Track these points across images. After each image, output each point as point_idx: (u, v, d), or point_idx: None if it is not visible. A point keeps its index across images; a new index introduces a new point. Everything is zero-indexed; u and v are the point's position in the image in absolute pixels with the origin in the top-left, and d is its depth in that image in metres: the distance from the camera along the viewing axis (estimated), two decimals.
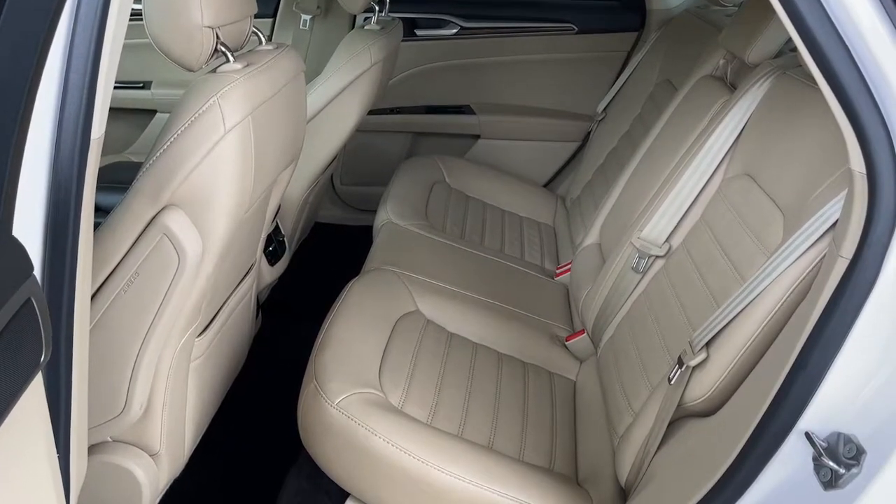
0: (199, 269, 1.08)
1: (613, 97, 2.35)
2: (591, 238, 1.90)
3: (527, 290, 1.85)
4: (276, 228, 1.88)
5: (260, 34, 1.28)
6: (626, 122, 2.21)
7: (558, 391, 1.53)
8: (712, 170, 1.40)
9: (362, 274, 1.67)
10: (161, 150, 1.03)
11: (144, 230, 1.05)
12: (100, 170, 0.92)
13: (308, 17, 2.35)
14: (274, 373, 1.83)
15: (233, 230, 1.12)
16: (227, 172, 1.05)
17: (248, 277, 1.51)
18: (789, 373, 0.85)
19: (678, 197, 1.44)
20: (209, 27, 1.06)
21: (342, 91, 1.86)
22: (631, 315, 1.49)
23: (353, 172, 2.68)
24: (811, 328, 0.84)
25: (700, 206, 1.42)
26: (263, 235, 1.55)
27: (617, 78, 2.45)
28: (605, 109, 2.37)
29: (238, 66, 1.11)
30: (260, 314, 1.98)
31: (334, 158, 2.04)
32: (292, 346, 1.77)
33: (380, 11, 1.94)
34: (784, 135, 1.22)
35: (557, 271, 2.00)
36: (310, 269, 2.45)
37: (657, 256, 1.46)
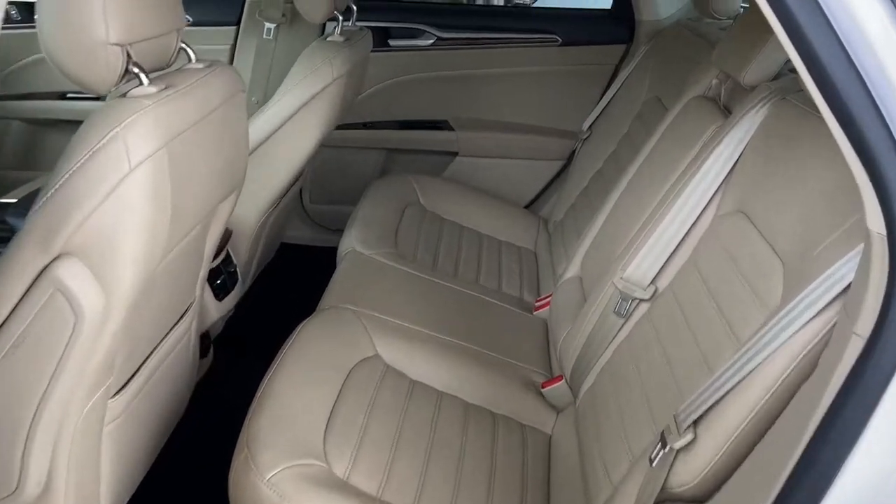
0: (103, 326, 0.93)
1: (599, 114, 2.22)
2: (573, 270, 1.76)
3: (502, 328, 1.71)
4: (227, 258, 1.73)
5: (189, 51, 1.14)
6: (613, 142, 2.08)
7: (531, 447, 1.39)
8: (703, 204, 1.26)
9: (316, 314, 1.52)
10: (52, 190, 0.89)
11: (33, 284, 0.90)
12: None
13: (272, 26, 2.21)
14: (219, 417, 1.67)
15: (145, 280, 0.97)
16: (134, 216, 0.90)
17: (184, 320, 1.36)
18: (795, 469, 0.71)
19: (665, 233, 1.30)
20: (117, 45, 0.92)
21: (300, 108, 1.72)
22: (612, 364, 1.35)
23: (323, 190, 2.53)
24: (820, 418, 0.70)
25: (689, 245, 1.28)
26: (204, 272, 1.40)
27: (603, 94, 2.32)
28: (590, 127, 2.24)
29: (153, 89, 0.97)
30: (211, 350, 1.83)
31: (296, 179, 1.90)
32: (244, 386, 1.62)
33: (345, 20, 1.80)
34: (784, 169, 1.08)
35: (536, 304, 1.85)
36: (272, 297, 2.30)
37: (641, 300, 1.32)
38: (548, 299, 1.83)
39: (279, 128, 1.74)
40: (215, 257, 1.67)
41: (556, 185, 2.44)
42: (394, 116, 2.45)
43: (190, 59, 1.15)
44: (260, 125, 1.74)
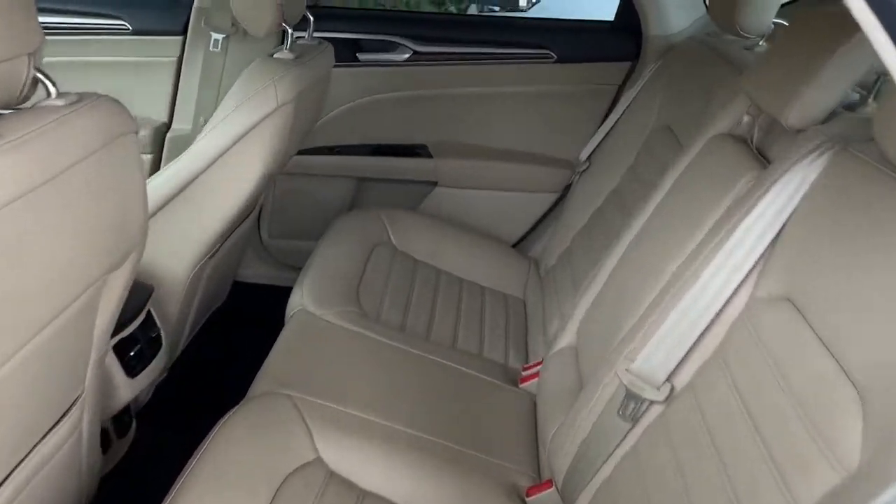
0: None
1: (600, 143, 1.94)
2: (567, 337, 1.47)
3: (481, 410, 1.42)
4: (148, 321, 1.44)
5: (48, 83, 0.85)
6: (615, 175, 1.80)
7: None
8: (738, 280, 0.98)
9: (244, 403, 1.23)
10: None
11: None
12: None
13: (220, 37, 1.93)
14: None
15: None
16: None
17: (66, 419, 1.07)
18: None
19: (687, 315, 1.02)
20: None
21: (238, 140, 1.43)
22: (614, 481, 1.07)
23: (283, 223, 2.25)
24: None
25: (716, 333, 1.00)
26: (97, 355, 1.11)
27: (604, 119, 2.04)
28: (589, 157, 1.96)
29: None
30: (133, 427, 1.55)
31: (239, 221, 1.61)
32: (169, 470, 1.34)
33: (293, 35, 1.52)
34: (853, 247, 0.80)
35: (524, 373, 1.57)
36: (219, 348, 2.02)
37: (653, 401, 1.03)
38: (537, 369, 1.55)
39: (213, 162, 1.45)
40: (132, 321, 1.38)
41: (549, 222, 2.15)
42: (364, 141, 2.16)
43: (49, 94, 0.86)
44: (190, 159, 1.46)
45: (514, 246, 2.20)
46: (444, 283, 1.88)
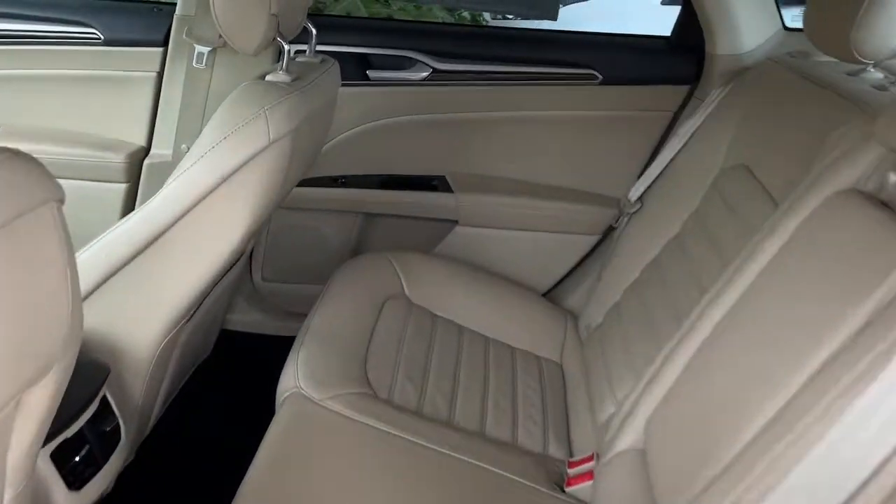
0: None
1: (655, 180, 1.66)
2: (630, 436, 1.18)
3: None
4: (104, 408, 1.16)
5: None
6: (675, 222, 1.52)
7: None
8: None
9: None
10: None
11: None
12: None
13: (205, 50, 1.65)
14: None
15: None
16: None
17: None
18: None
19: (832, 462, 0.73)
20: None
21: (222, 181, 1.15)
22: None
23: (279, 264, 1.97)
24: None
25: (881, 487, 0.72)
26: (11, 491, 0.83)
27: (655, 151, 1.77)
28: (641, 197, 1.68)
29: None
30: None
31: (218, 279, 1.33)
32: None
33: (290, 52, 1.24)
34: None
35: (570, 474, 1.28)
36: (200, 415, 1.74)
37: None
38: (588, 467, 1.26)
39: (191, 208, 1.17)
40: (79, 415, 1.10)
41: (587, 269, 1.87)
42: (373, 171, 1.88)
43: None
44: (162, 203, 1.18)
45: (544, 295, 1.92)
46: (467, 344, 1.59)
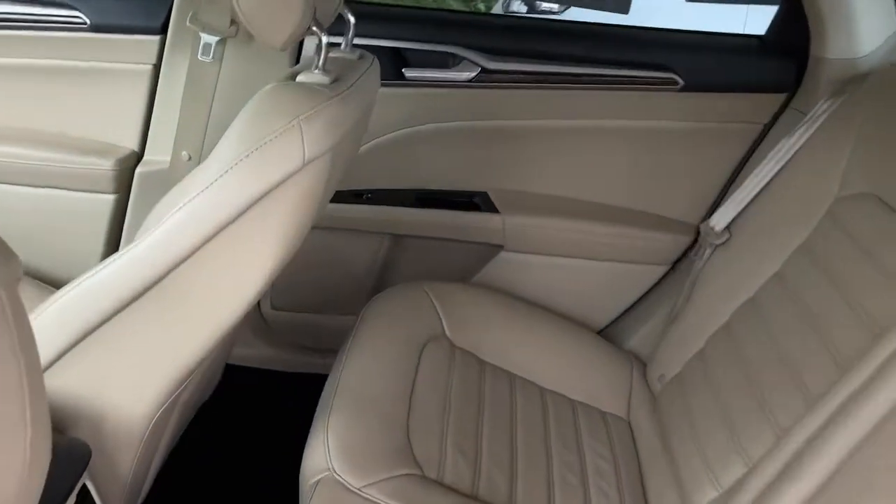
0: None
1: (746, 206, 1.41)
2: None
3: None
4: (82, 501, 0.91)
5: None
6: (776, 257, 1.28)
7: None
8: None
9: None
10: None
11: None
12: None
13: (213, 41, 1.39)
14: None
15: None
16: None
17: None
18: None
19: None
20: None
21: (243, 211, 0.90)
22: None
23: (291, 291, 1.71)
24: None
25: None
26: None
27: (739, 168, 1.53)
28: (729, 226, 1.43)
29: None
30: None
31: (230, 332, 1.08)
32: None
33: (327, 46, 0.99)
34: None
35: None
36: (201, 466, 1.51)
37: None
38: None
39: (202, 244, 0.92)
40: None
41: (652, 305, 1.62)
42: (405, 185, 1.63)
43: None
44: (164, 238, 0.92)
45: (600, 332, 1.68)
46: (521, 399, 1.35)
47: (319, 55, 0.99)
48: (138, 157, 1.58)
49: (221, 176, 0.88)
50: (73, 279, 0.92)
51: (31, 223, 1.58)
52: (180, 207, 0.89)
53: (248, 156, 0.88)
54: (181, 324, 0.95)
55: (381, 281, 1.71)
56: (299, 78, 1.00)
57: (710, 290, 1.42)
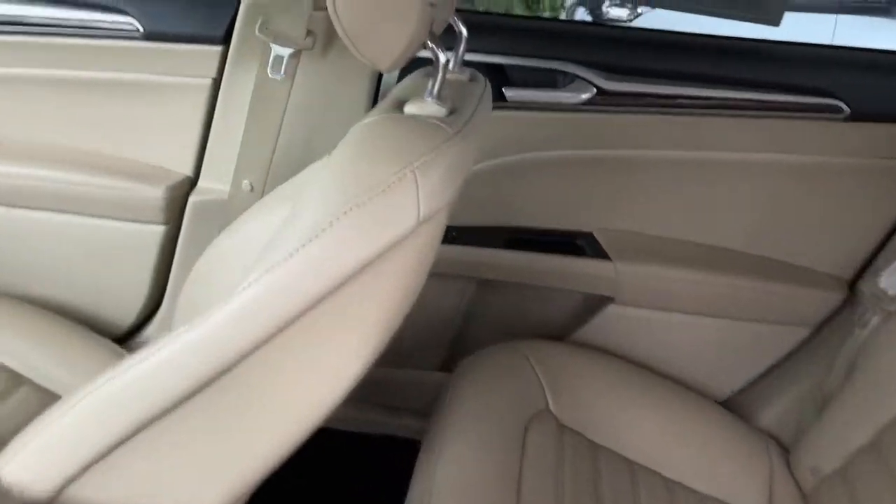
0: None
1: None
2: None
3: None
4: None
5: None
6: None
7: None
8: None
9: None
10: None
11: None
12: None
13: (286, 53, 1.19)
14: None
15: None
16: None
17: None
18: None
19: None
20: None
21: (339, 286, 0.69)
22: None
23: None
24: None
25: None
26: None
27: None
28: None
29: None
30: None
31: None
32: None
33: (445, 68, 0.78)
34: None
35: None
36: None
37: None
38: None
39: (281, 330, 0.70)
40: None
41: (791, 374, 1.38)
42: (497, 223, 1.42)
43: None
44: (231, 320, 0.70)
45: (723, 403, 1.44)
46: (645, 496, 1.12)
47: (435, 79, 0.78)
48: (192, 183, 1.39)
49: (315, 238, 0.66)
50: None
51: (69, 255, 1.40)
52: (257, 279, 0.68)
53: (347, 212, 0.66)
54: (254, 424, 0.74)
55: (462, 333, 1.50)
56: (408, 108, 0.78)
57: (878, 367, 1.17)
